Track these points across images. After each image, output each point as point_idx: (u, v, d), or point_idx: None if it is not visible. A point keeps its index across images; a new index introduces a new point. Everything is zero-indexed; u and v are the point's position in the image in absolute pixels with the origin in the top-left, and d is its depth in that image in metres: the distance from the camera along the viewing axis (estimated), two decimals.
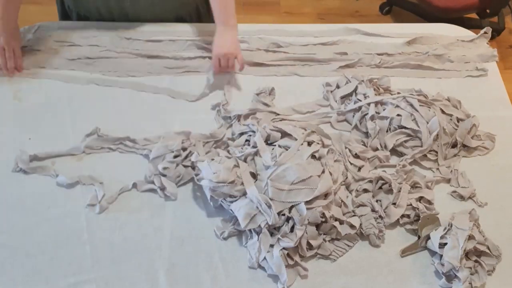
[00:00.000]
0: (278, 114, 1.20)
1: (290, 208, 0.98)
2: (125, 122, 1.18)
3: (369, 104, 1.17)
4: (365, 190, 1.07)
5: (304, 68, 1.31)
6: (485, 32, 1.37)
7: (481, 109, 1.23)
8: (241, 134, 1.13)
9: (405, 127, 1.13)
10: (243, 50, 1.29)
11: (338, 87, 1.25)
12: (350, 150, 1.12)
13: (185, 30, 1.37)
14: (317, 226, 0.99)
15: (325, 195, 1.00)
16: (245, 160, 1.06)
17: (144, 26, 1.36)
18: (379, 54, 1.33)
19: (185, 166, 1.08)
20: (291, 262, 0.97)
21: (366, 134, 1.17)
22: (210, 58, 1.29)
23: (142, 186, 1.08)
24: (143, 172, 1.10)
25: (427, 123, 1.12)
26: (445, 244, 0.97)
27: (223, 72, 1.27)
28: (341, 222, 1.01)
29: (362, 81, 1.22)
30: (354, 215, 1.03)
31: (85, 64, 1.28)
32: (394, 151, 1.14)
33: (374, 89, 1.21)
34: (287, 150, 1.06)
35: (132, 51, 1.30)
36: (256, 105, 1.21)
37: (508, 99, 1.27)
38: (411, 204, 1.04)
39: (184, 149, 1.10)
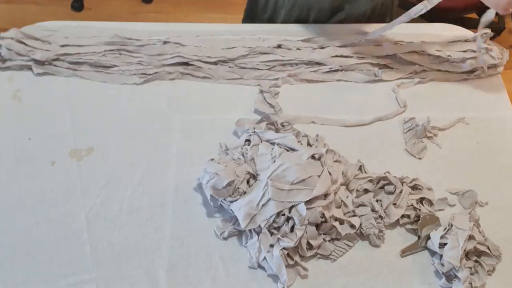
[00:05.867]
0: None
1: (290, 208, 0.98)
2: (125, 122, 1.18)
3: None
4: (366, 190, 1.07)
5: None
6: (485, 32, 1.37)
7: (481, 109, 1.23)
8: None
9: None
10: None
11: None
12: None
13: (190, 30, 1.35)
14: (317, 226, 0.99)
15: (325, 195, 1.00)
16: (244, 160, 1.06)
17: (143, 25, 1.36)
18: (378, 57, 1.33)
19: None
20: (291, 262, 0.97)
21: None
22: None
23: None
24: (143, 172, 1.10)
25: None
26: (445, 244, 0.97)
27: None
28: (341, 222, 1.01)
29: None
30: (354, 215, 1.03)
31: (85, 64, 1.28)
32: None
33: None
34: (287, 150, 1.06)
35: (133, 51, 1.30)
36: (261, 105, 1.20)
37: (508, 99, 1.27)
38: (412, 205, 1.04)
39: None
